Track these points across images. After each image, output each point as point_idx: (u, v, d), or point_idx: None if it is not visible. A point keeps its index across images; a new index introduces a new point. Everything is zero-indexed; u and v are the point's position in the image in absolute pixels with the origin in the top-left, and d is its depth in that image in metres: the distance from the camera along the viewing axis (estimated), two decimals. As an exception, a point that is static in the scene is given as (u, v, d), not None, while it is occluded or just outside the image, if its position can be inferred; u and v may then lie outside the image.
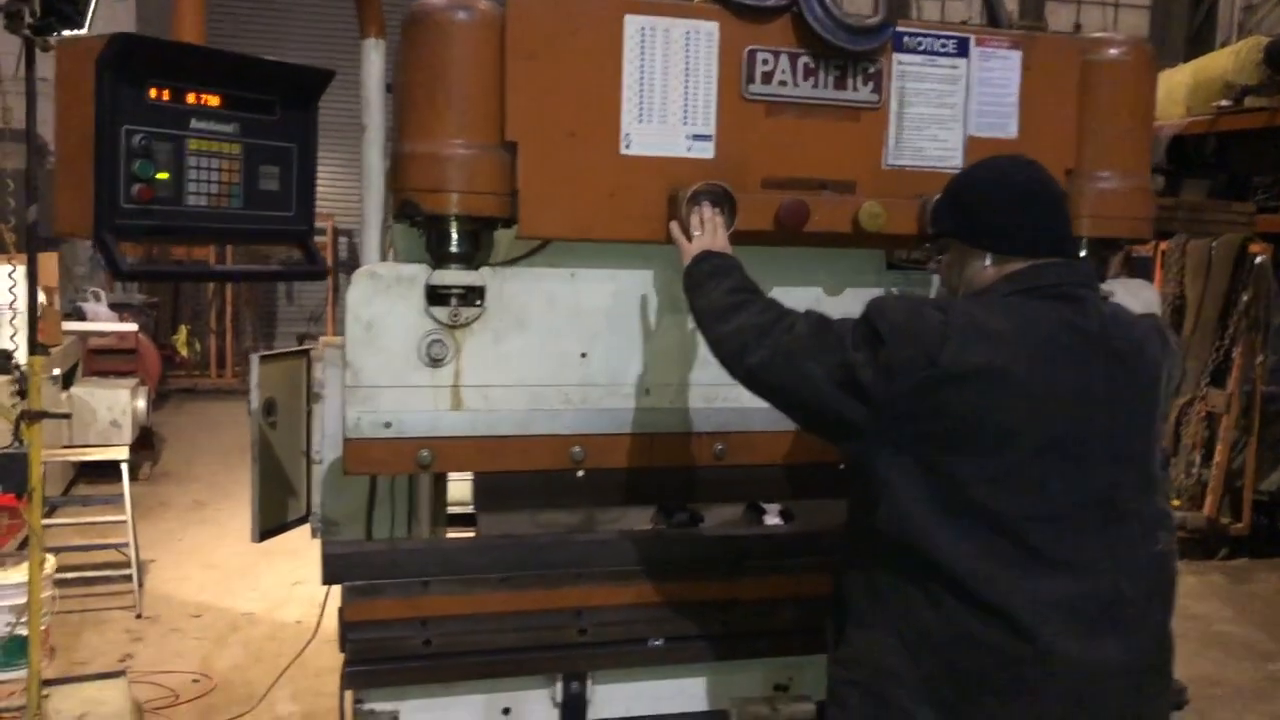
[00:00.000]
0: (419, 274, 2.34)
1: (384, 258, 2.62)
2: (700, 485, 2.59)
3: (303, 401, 3.16)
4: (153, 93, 1.74)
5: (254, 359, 3.02)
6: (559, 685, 2.50)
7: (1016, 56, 2.57)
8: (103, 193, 1.68)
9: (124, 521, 5.39)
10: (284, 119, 1.96)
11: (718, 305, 2.04)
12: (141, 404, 7.31)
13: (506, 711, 2.50)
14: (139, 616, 5.28)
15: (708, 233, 2.24)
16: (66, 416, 5.26)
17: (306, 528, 3.28)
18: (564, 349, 2.44)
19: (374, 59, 2.52)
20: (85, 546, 5.44)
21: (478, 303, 2.37)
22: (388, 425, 2.35)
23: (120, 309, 10.38)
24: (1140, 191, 2.68)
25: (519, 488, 2.49)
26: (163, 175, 1.77)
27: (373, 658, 2.35)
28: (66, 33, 3.05)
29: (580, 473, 2.48)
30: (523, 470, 2.45)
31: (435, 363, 2.36)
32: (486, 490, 2.51)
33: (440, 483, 2.86)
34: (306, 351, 3.19)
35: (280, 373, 3.09)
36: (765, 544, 2.63)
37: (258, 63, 1.88)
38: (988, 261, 1.95)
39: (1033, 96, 2.58)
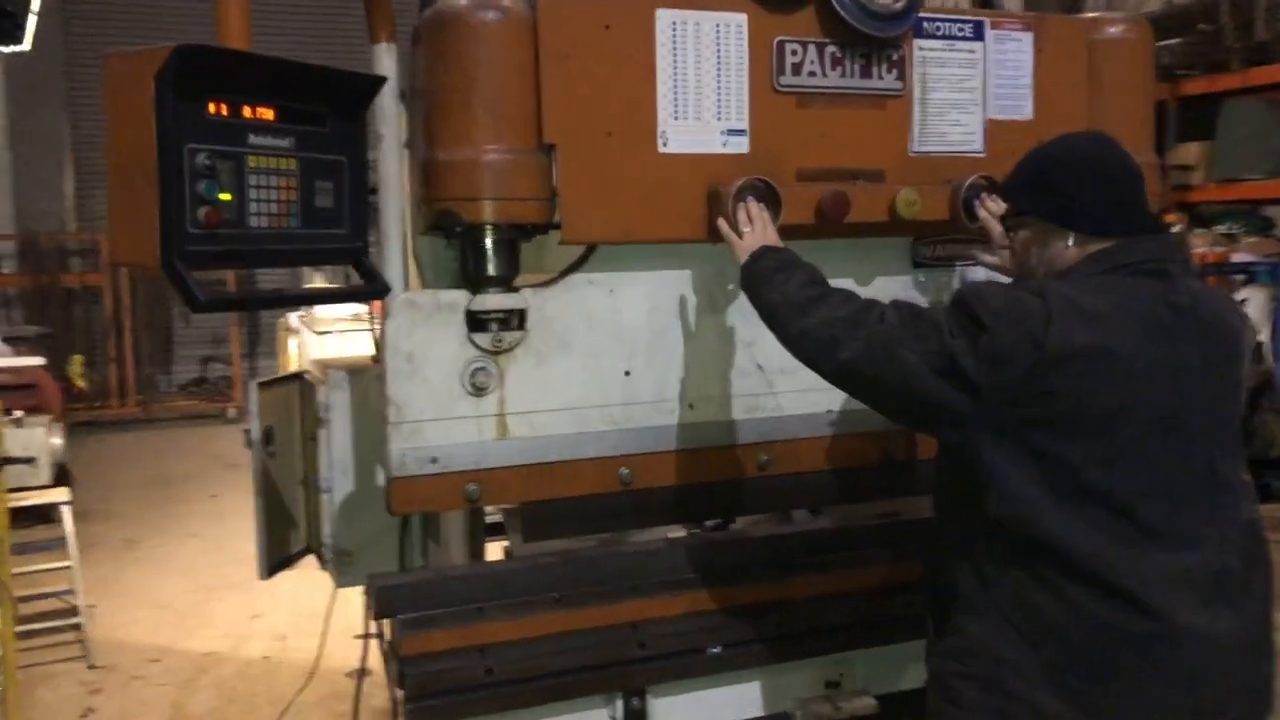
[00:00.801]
0: (459, 300, 2.24)
1: (406, 275, 2.49)
2: (747, 497, 2.53)
3: (297, 429, 3.03)
4: (211, 107, 1.61)
5: (252, 386, 2.88)
6: (619, 703, 2.44)
7: (1029, 38, 2.59)
8: (169, 218, 1.54)
9: (67, 568, 5.09)
10: (333, 130, 1.84)
11: (795, 299, 1.99)
12: (58, 441, 6.90)
13: (566, 734, 2.42)
14: (92, 667, 4.99)
15: (758, 229, 2.20)
16: (30, 461, 4.94)
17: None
18: (607, 368, 2.37)
19: (387, 64, 2.40)
20: (31, 596, 5.12)
21: (519, 326, 2.28)
22: (434, 460, 2.24)
23: (14, 342, 9.85)
24: (1149, 167, 2.70)
25: (564, 514, 2.40)
26: (225, 196, 1.63)
27: (435, 691, 2.24)
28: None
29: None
30: (571, 496, 2.37)
31: (479, 391, 2.26)
32: (531, 519, 2.41)
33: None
34: (300, 375, 3.05)
35: (276, 399, 2.95)
36: (817, 541, 2.58)
37: (310, 70, 1.76)
38: (1070, 241, 1.94)
39: (1045, 78, 2.61)
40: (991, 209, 2.39)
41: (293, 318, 9.10)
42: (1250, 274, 7.72)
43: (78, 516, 7.70)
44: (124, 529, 7.43)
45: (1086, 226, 1.93)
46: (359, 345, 7.58)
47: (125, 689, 4.78)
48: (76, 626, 5.11)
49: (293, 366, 9.09)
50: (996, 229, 2.36)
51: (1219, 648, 1.81)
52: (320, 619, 5.30)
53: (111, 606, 5.81)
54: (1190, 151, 8.78)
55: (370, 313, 3.09)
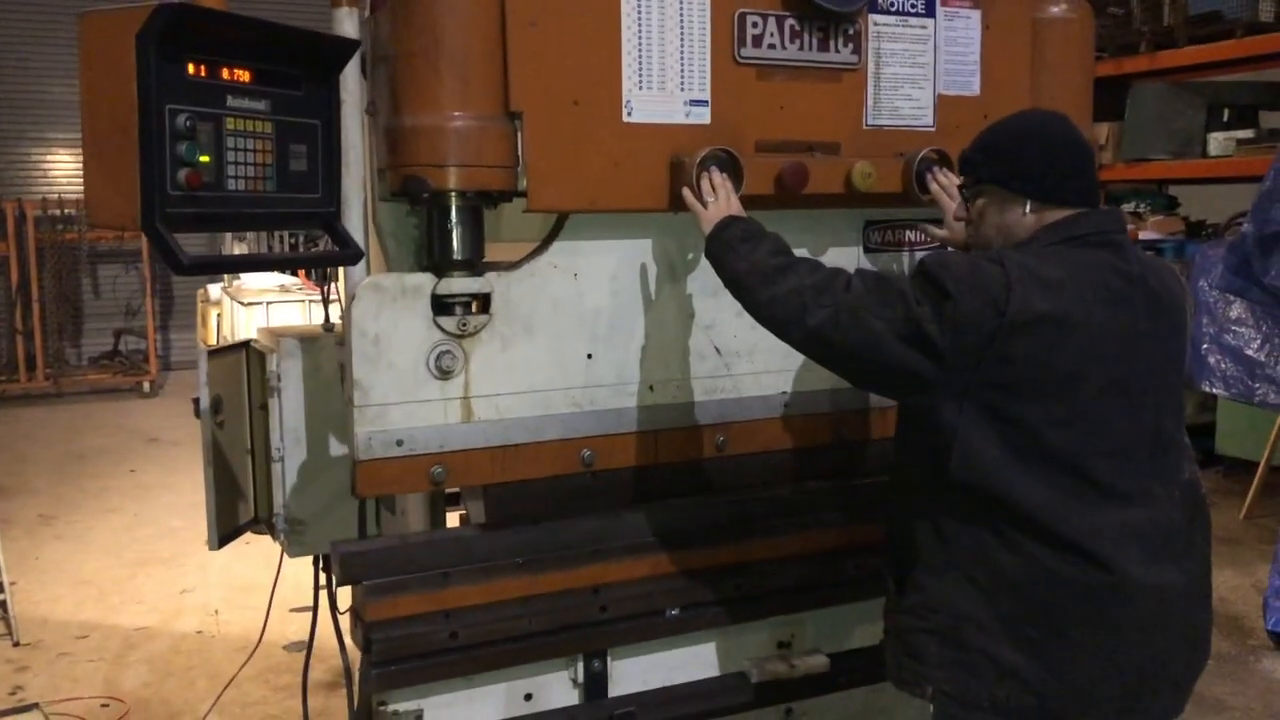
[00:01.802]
0: (425, 284, 2.24)
1: (367, 242, 2.48)
2: (703, 478, 2.57)
3: (245, 397, 2.99)
4: (191, 68, 1.58)
5: (201, 354, 2.83)
6: (579, 665, 2.48)
7: (977, 16, 2.66)
8: (150, 180, 1.52)
9: (-12, 544, 4.95)
10: (308, 93, 1.83)
11: (763, 267, 2.03)
12: (-32, 416, 6.70)
13: (528, 697, 2.46)
14: (17, 644, 4.87)
15: (721, 198, 2.23)
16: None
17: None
18: (570, 351, 2.39)
19: (348, 29, 2.37)
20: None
21: (483, 310, 2.29)
22: (399, 443, 2.25)
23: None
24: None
25: (527, 495, 2.41)
26: (205, 158, 1.61)
27: (400, 656, 2.25)
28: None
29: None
30: (535, 478, 2.39)
31: (445, 375, 2.26)
32: (495, 500, 2.42)
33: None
34: (247, 344, 3.01)
35: (224, 368, 2.91)
36: (773, 505, 2.63)
37: (286, 32, 1.74)
38: (1027, 210, 2.02)
39: (992, 54, 2.68)
40: (943, 182, 2.46)
41: (214, 289, 8.92)
42: (1157, 251, 8.00)
43: (-11, 492, 7.53)
44: (39, 505, 7.23)
45: (1041, 195, 2.01)
46: (287, 316, 7.48)
47: (54, 666, 4.68)
48: (1, 604, 4.97)
49: (212, 339, 8.90)
50: (948, 201, 2.44)
51: (1166, 600, 1.92)
52: (251, 592, 5.29)
53: (31, 584, 5.67)
54: (1100, 131, 9.04)
55: (327, 289, 3.06)
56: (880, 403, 2.69)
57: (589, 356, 2.40)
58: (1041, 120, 2.10)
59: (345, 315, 2.28)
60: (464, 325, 2.27)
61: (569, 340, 2.38)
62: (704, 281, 2.48)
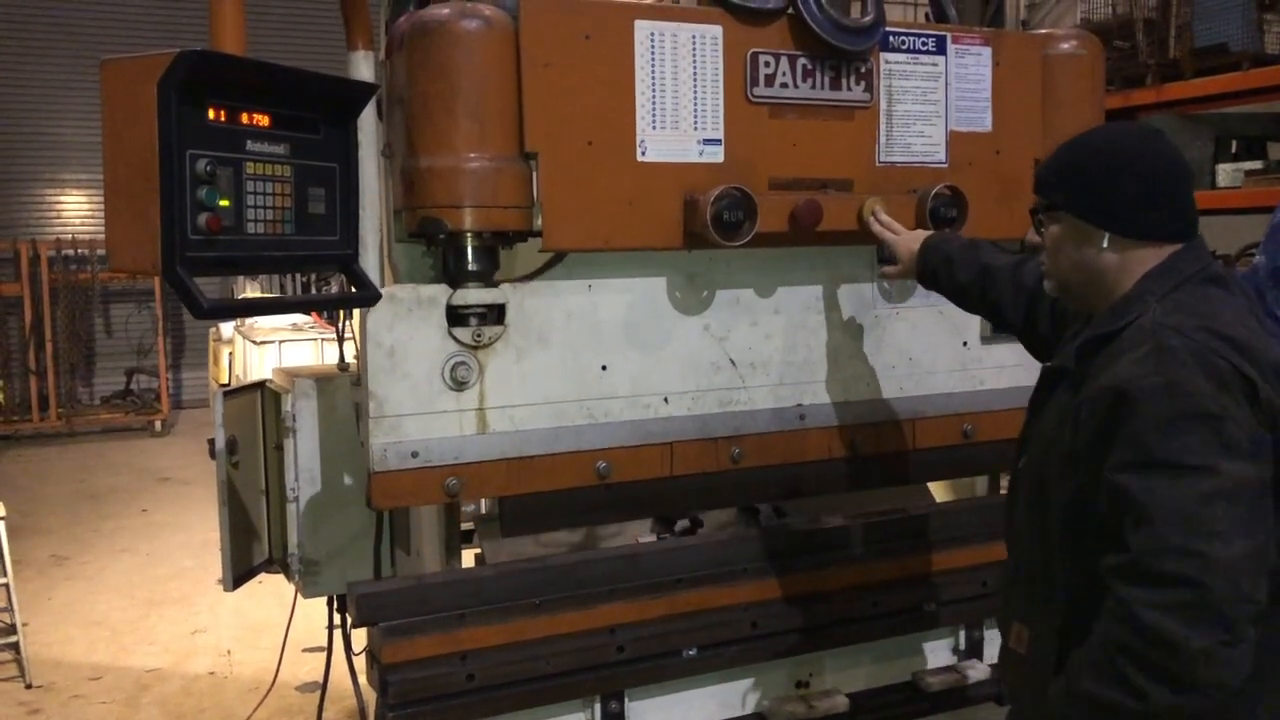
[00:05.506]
0: (439, 295, 2.25)
1: (383, 282, 2.49)
2: (720, 490, 2.56)
3: (260, 437, 2.99)
4: (211, 114, 1.60)
5: (217, 395, 2.84)
6: (597, 707, 2.46)
7: (987, 53, 2.68)
8: (171, 224, 1.53)
9: (3, 585, 4.93)
10: (326, 137, 1.84)
11: None
12: (-18, 456, 6.71)
13: (544, 740, 2.44)
14: (29, 686, 4.85)
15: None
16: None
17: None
18: (585, 363, 2.39)
19: (364, 72, 2.40)
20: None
21: (498, 321, 2.30)
22: (415, 455, 2.25)
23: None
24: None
25: (542, 508, 2.41)
26: (225, 202, 1.62)
27: (417, 699, 2.24)
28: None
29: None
30: (550, 490, 2.38)
31: (460, 386, 2.27)
32: (510, 513, 2.41)
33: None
34: (262, 384, 3.01)
35: (240, 409, 2.91)
36: (789, 542, 2.62)
37: (304, 77, 1.75)
38: (1104, 243, 1.79)
39: (1002, 90, 2.69)
40: (885, 220, 2.45)
41: (226, 328, 8.95)
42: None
43: None
44: (52, 545, 7.22)
45: (1123, 228, 1.78)
46: (300, 355, 7.49)
47: (66, 708, 4.66)
48: (13, 646, 4.96)
49: (224, 378, 8.92)
50: (892, 237, 2.44)
51: None
52: (263, 632, 5.27)
53: (43, 624, 5.65)
54: (1109, 164, 9.03)
55: (342, 328, 3.07)
56: (892, 416, 2.69)
57: (604, 368, 2.40)
58: (1134, 142, 1.83)
59: (360, 328, 2.28)
60: (479, 336, 2.27)
61: (584, 352, 2.38)
62: (719, 294, 2.48)
